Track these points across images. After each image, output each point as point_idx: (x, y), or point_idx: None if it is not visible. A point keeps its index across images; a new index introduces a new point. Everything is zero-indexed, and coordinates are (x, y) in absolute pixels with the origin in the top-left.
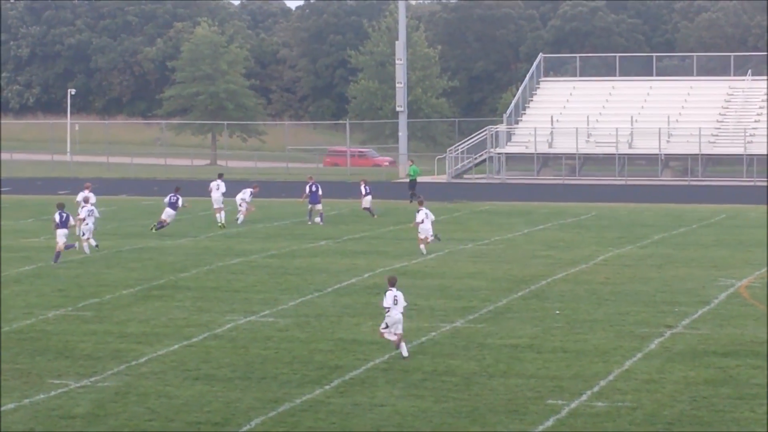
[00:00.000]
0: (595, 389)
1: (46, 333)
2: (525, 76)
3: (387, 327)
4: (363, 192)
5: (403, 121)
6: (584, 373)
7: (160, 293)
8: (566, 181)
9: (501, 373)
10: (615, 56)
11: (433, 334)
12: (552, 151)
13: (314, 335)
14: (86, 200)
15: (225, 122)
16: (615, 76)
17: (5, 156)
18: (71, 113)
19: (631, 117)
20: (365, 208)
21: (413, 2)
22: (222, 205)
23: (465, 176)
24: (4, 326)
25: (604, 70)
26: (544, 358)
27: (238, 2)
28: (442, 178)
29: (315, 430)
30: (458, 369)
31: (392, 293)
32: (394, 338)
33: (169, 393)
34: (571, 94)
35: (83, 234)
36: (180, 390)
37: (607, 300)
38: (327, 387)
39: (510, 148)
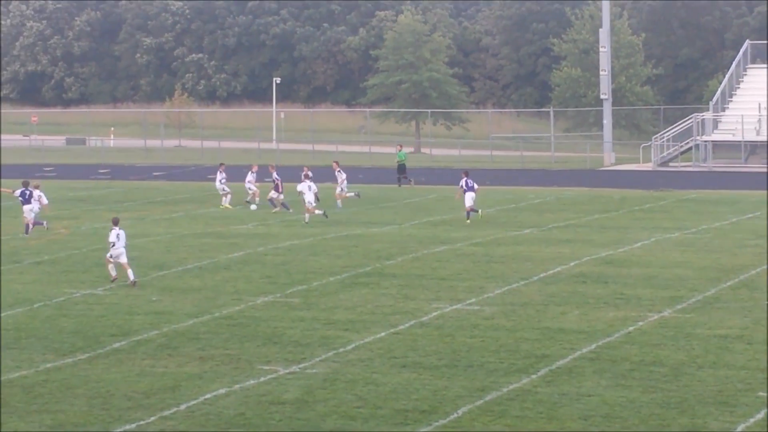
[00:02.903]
0: None
1: (255, 319)
2: (731, 63)
3: (112, 257)
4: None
5: (607, 108)
6: None
7: (367, 281)
8: None
9: (710, 364)
10: None
11: (640, 323)
12: (760, 138)
13: (520, 324)
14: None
15: (429, 110)
16: None
17: (213, 144)
18: (276, 102)
19: None
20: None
21: None
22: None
23: (671, 164)
24: (214, 312)
25: None
26: (755, 350)
27: None
28: (648, 166)
29: (522, 418)
30: (666, 359)
31: (115, 231)
32: (111, 267)
33: (376, 380)
34: None
35: (29, 214)
36: (387, 377)
37: None
38: (534, 376)
39: (717, 136)
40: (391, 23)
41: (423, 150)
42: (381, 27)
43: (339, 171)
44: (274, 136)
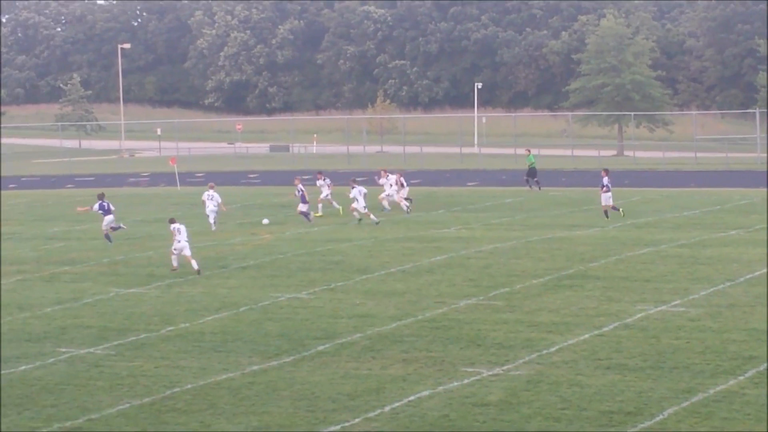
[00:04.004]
0: None
1: (458, 321)
2: None
3: (176, 252)
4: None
5: None
6: None
7: (570, 283)
8: None
9: None
10: None
11: None
12: None
13: (726, 325)
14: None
15: (632, 113)
16: None
17: (415, 149)
18: (478, 106)
19: None
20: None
21: None
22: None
23: None
24: (418, 315)
25: None
26: None
27: None
28: None
29: (730, 420)
30: None
31: (176, 226)
32: (184, 261)
33: (580, 382)
34: None
35: (209, 216)
36: (591, 379)
37: None
38: (741, 377)
39: None
40: (594, 27)
41: (626, 152)
42: (583, 31)
43: (387, 177)
44: (476, 141)
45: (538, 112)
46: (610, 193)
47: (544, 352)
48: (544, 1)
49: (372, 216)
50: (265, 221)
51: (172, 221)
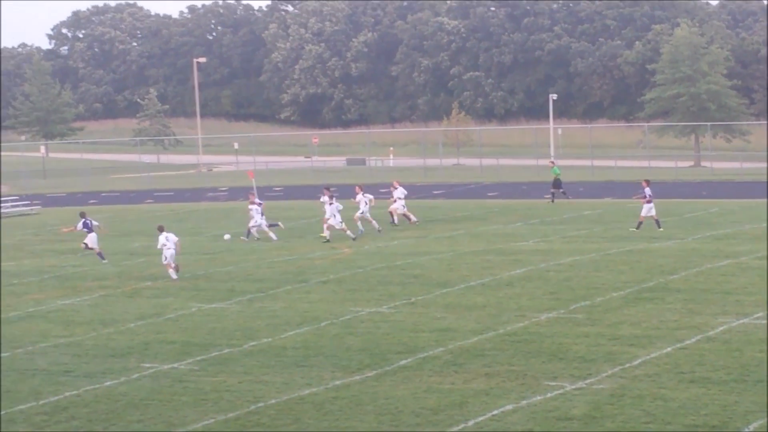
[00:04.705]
0: None
1: (539, 335)
2: None
3: (167, 260)
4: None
5: None
6: None
7: (651, 295)
8: None
9: None
10: None
11: None
12: None
13: None
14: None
15: (708, 123)
16: None
17: (492, 161)
18: (553, 118)
19: None
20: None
21: None
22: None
23: None
24: (499, 328)
25: None
26: None
27: (717, 2)
28: None
29: None
30: None
31: (164, 235)
32: (172, 271)
33: (664, 396)
34: None
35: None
36: (675, 393)
37: None
38: None
39: None
40: (668, 36)
41: (703, 163)
42: (657, 40)
43: (363, 194)
44: (552, 153)
45: (613, 123)
46: (651, 204)
47: (627, 365)
48: (617, 10)
49: (348, 231)
50: (227, 237)
51: (161, 229)
